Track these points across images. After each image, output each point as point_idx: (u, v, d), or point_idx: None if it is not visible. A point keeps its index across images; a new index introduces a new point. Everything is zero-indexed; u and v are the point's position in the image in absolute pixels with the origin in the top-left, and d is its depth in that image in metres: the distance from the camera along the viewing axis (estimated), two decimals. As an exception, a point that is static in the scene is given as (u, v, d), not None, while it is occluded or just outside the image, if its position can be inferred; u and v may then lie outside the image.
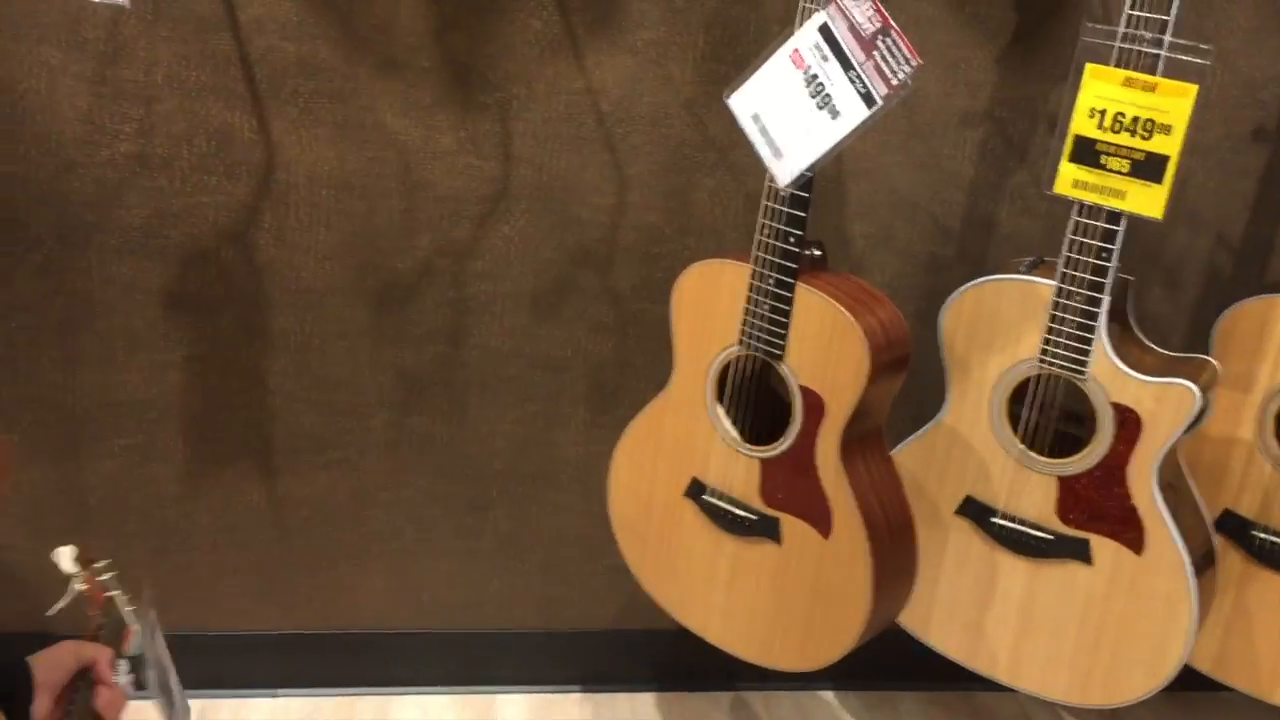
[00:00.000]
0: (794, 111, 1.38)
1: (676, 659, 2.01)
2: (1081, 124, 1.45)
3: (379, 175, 1.66)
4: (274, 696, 1.94)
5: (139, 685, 1.17)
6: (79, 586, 1.13)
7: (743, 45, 1.65)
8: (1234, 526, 1.69)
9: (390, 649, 1.97)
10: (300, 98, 1.60)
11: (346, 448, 1.82)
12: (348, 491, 1.85)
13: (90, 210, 1.62)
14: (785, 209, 1.43)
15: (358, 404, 1.80)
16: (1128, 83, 1.41)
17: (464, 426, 1.83)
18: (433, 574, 1.93)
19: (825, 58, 1.35)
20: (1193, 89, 1.38)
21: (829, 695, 2.08)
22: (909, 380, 1.53)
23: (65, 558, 1.15)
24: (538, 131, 1.67)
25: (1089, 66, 1.43)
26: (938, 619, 1.70)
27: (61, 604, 1.13)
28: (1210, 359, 1.55)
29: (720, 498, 1.58)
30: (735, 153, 1.69)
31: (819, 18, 1.35)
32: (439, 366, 1.79)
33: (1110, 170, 1.44)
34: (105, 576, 1.15)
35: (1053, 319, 1.50)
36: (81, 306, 1.68)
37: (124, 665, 1.14)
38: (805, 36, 1.36)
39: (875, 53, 1.32)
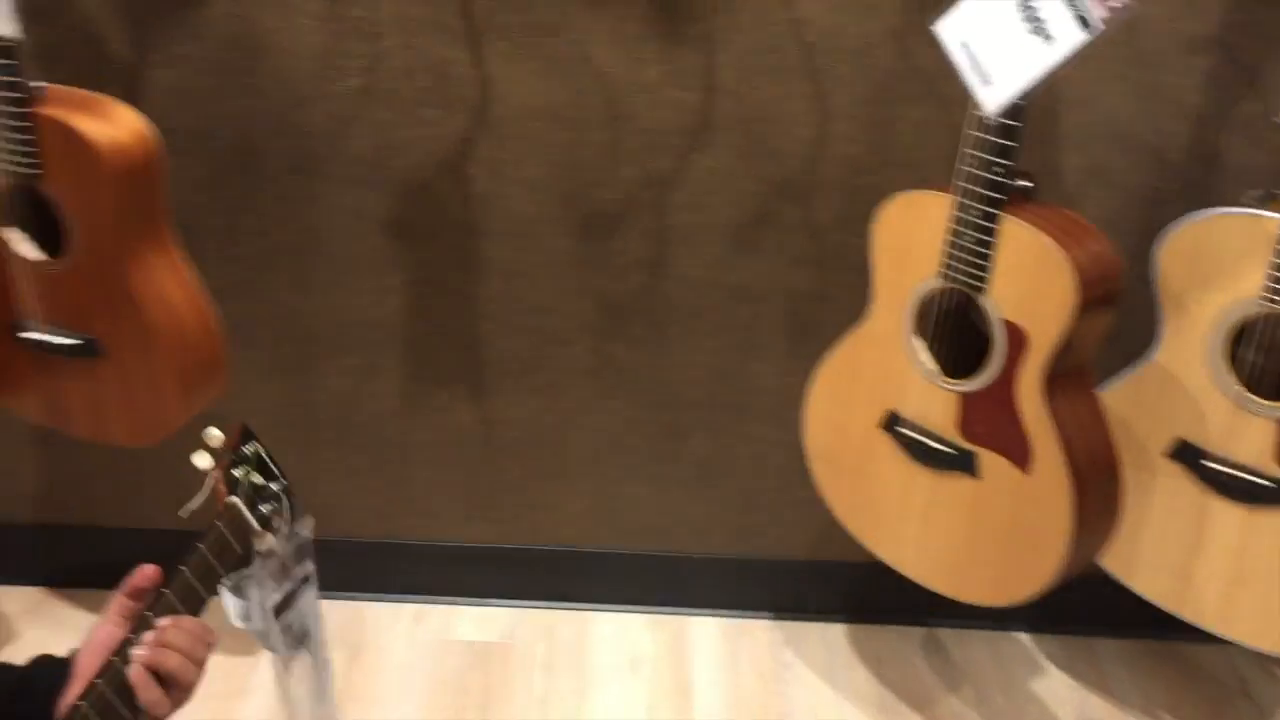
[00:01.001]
0: (1004, 37, 1.35)
1: (868, 591, 2.03)
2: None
3: (586, 107, 1.71)
4: (481, 605, 2.06)
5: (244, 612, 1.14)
6: (213, 480, 1.04)
7: (954, -29, 1.61)
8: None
9: (589, 567, 2.05)
10: (513, 31, 1.66)
11: (551, 372, 1.90)
12: (552, 415, 1.93)
13: (320, 142, 1.73)
14: (993, 138, 1.40)
15: (562, 330, 1.87)
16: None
17: (663, 355, 1.88)
18: (630, 497, 2.00)
19: (1040, -19, 1.31)
20: None
21: (1024, 637, 2.05)
22: (1121, 318, 1.48)
23: (206, 448, 1.06)
24: (741, 63, 1.68)
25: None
26: (1144, 563, 1.66)
27: (195, 503, 1.06)
28: None
29: (916, 430, 1.58)
30: (943, 84, 1.66)
31: (1034, -61, 1.31)
32: (640, 295, 1.84)
33: (1351, 96, 1.35)
34: (238, 472, 1.05)
35: (1280, 255, 1.42)
36: (312, 233, 1.79)
37: (226, 596, 1.08)
38: (1019, -41, 1.33)
39: (1093, -26, 1.28)
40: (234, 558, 1.03)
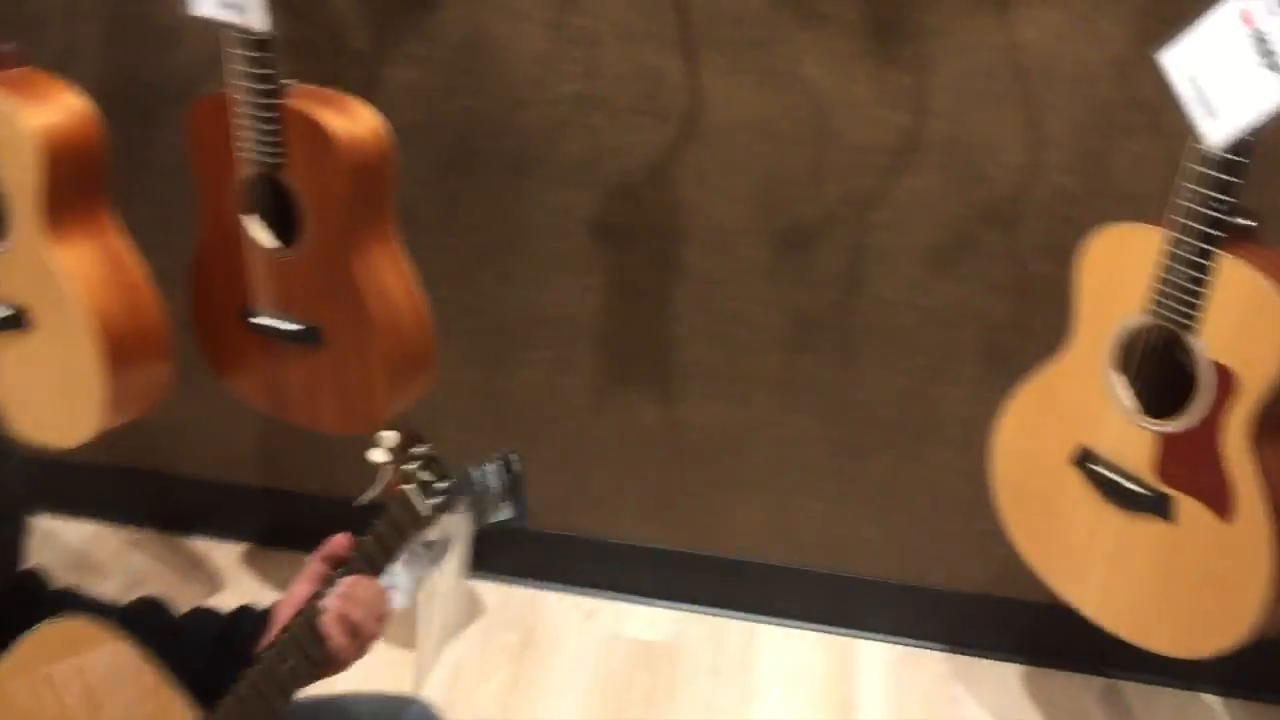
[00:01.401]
0: (1234, 69, 1.31)
1: (1046, 633, 1.97)
2: None
3: (794, 122, 1.73)
4: (652, 606, 2.10)
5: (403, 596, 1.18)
6: (387, 474, 1.11)
7: (1186, 1, 1.56)
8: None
9: (761, 578, 2.06)
10: (727, 45, 1.70)
11: (739, 381, 1.92)
12: (736, 423, 1.96)
13: (536, 144, 1.81)
14: (1215, 173, 1.35)
15: (753, 341, 1.89)
16: None
17: (852, 372, 1.88)
18: (808, 512, 2.00)
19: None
20: None
21: (1213, 700, 1.96)
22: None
23: (381, 446, 1.13)
24: (953, 86, 1.67)
25: None
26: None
27: (371, 493, 1.13)
28: None
29: (1110, 468, 1.53)
30: (1165, 116, 1.61)
31: (1275, -31, 1.26)
32: (833, 311, 1.85)
33: None
34: (411, 465, 1.12)
35: None
36: (520, 230, 1.87)
37: (395, 570, 1.13)
38: (1257, -10, 1.28)
39: (1337, 7, 1.22)
40: (404, 540, 1.11)
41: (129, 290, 1.65)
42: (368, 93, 1.73)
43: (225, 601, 1.95)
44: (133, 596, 1.12)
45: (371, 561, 1.05)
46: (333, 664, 1.02)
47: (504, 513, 1.20)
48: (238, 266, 1.66)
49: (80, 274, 1.59)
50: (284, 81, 1.56)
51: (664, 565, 2.09)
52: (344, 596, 1.01)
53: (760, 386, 1.93)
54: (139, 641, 0.92)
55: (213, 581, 2.09)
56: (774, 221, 1.80)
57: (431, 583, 1.21)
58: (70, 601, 0.97)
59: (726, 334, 1.89)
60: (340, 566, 1.04)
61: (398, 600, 1.14)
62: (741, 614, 2.09)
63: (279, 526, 2.16)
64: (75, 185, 1.59)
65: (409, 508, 1.09)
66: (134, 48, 1.82)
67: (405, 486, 1.09)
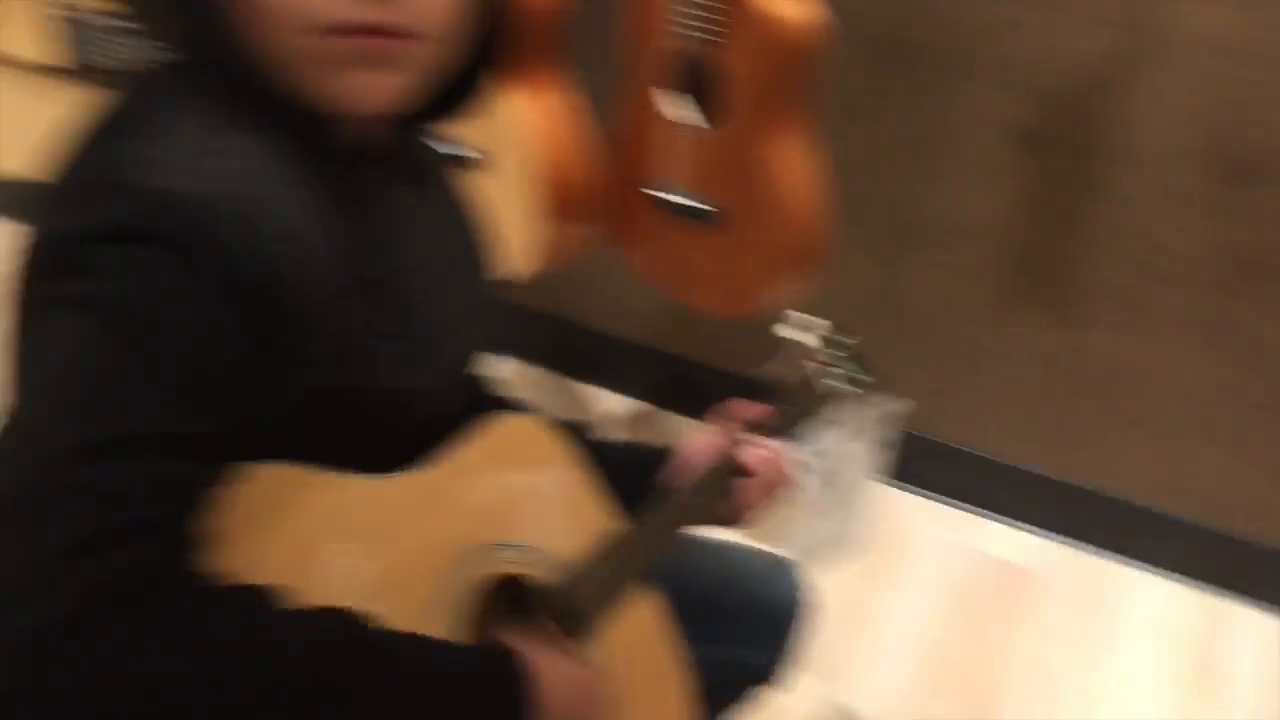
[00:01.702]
0: None
1: None
2: None
3: (1264, 43, 1.58)
4: (1017, 528, 2.06)
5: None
6: (801, 352, 1.15)
7: None
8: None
9: (1139, 520, 1.97)
10: (1205, -49, 1.57)
11: (1152, 315, 1.82)
12: (1142, 358, 1.86)
13: (974, 41, 1.75)
14: None
15: (1174, 274, 1.77)
16: None
17: (1285, 322, 1.73)
18: (1200, 463, 1.88)
19: None
20: None
21: None
22: None
23: (806, 329, 1.17)
24: None
25: None
26: None
27: (781, 366, 1.16)
28: None
29: None
30: None
31: None
32: (1272, 253, 1.70)
33: None
34: (832, 350, 1.14)
35: None
36: (942, 128, 1.83)
37: (807, 440, 1.14)
38: None
39: None
40: (809, 415, 1.14)
41: (574, 148, 1.77)
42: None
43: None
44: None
45: (777, 428, 1.09)
46: (731, 517, 1.07)
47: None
48: (652, 140, 1.72)
49: (531, 125, 1.72)
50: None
51: (1037, 489, 2.03)
52: (764, 459, 1.05)
53: (1174, 323, 1.81)
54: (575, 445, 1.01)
55: (597, 428, 2.25)
56: (1221, 149, 1.67)
57: (834, 469, 1.25)
58: (519, 408, 1.07)
59: (1147, 263, 1.79)
60: (750, 424, 1.08)
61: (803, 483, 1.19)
62: (1111, 553, 2.01)
63: (666, 388, 2.29)
64: (537, 41, 1.71)
65: (821, 388, 1.12)
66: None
67: (822, 368, 1.12)
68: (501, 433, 0.94)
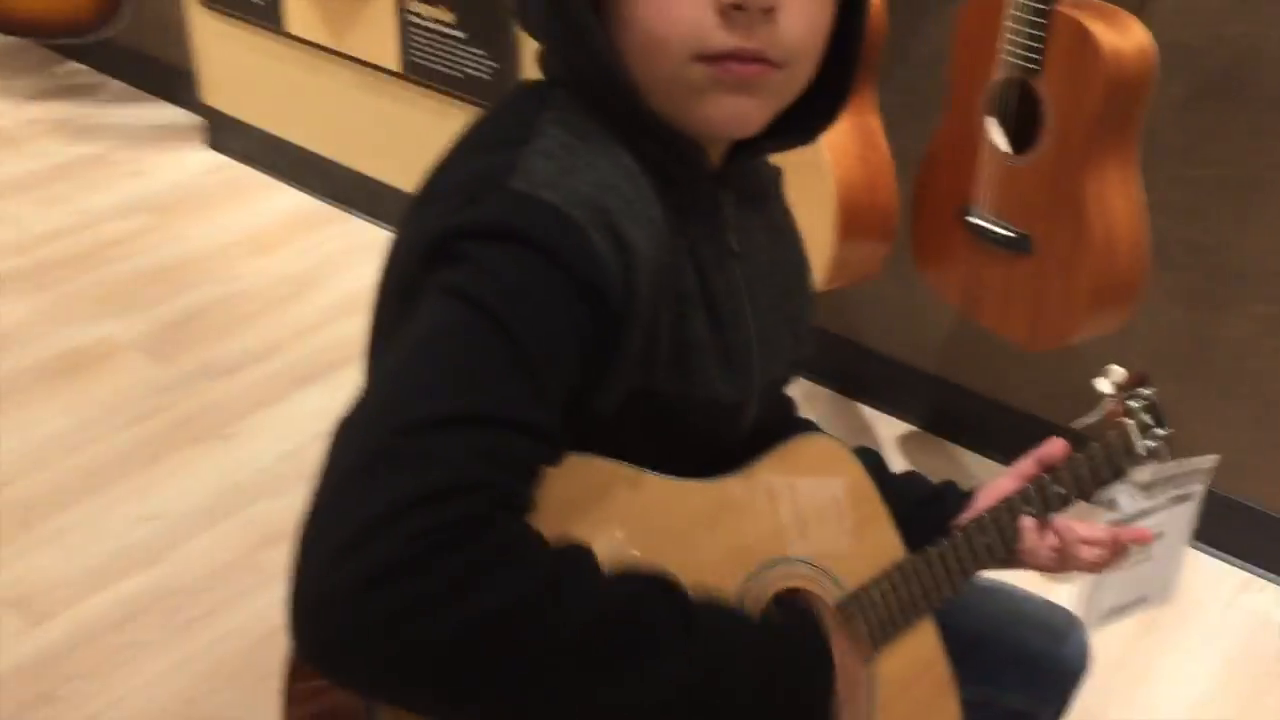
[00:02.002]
0: None
1: None
2: None
3: None
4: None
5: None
6: (1106, 405, 1.11)
7: None
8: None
9: None
10: None
11: None
12: None
13: (1317, 81, 1.65)
14: None
15: None
16: None
17: None
18: None
19: None
20: None
21: None
22: None
23: (1107, 378, 1.13)
24: None
25: None
26: None
27: (1089, 419, 1.13)
28: None
29: None
30: None
31: None
32: None
33: None
34: (1134, 403, 1.11)
35: None
36: (1273, 171, 1.74)
37: (1113, 499, 1.11)
38: None
39: None
40: (1114, 471, 1.10)
41: (874, 169, 1.79)
42: (1140, 4, 1.69)
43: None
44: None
45: (1078, 481, 1.07)
46: (1021, 562, 1.05)
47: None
48: (968, 164, 1.72)
49: (836, 144, 1.75)
50: (1062, -13, 1.57)
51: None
52: (1078, 537, 1.04)
53: None
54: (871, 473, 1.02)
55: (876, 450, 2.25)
56: None
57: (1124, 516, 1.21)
58: (811, 429, 1.10)
59: None
60: (1050, 472, 1.06)
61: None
62: None
63: (943, 415, 2.26)
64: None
65: (1127, 442, 1.09)
66: (922, -58, 1.92)
67: (1126, 420, 1.10)
68: (805, 451, 0.97)
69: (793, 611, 0.82)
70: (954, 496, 1.10)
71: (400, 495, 0.63)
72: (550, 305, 0.72)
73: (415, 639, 0.62)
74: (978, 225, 1.73)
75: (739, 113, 0.80)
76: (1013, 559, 1.05)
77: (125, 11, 3.08)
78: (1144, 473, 1.13)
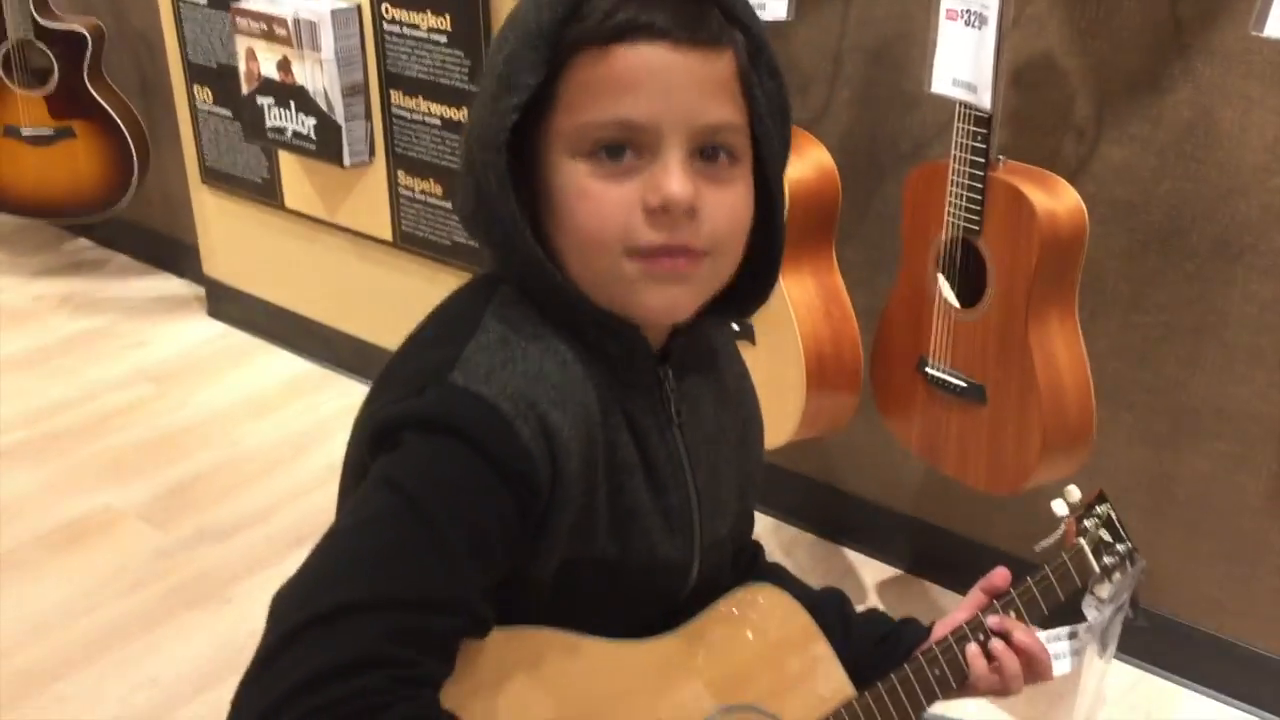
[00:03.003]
0: None
1: None
2: None
3: None
4: (1299, 734, 1.94)
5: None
6: (1063, 527, 1.17)
7: None
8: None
9: None
10: None
11: None
12: None
13: (1248, 232, 1.76)
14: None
15: None
16: None
17: None
18: None
19: None
20: None
21: None
22: None
23: (1064, 500, 1.19)
24: None
25: None
26: None
27: (1047, 542, 1.18)
28: None
29: None
30: None
31: None
32: None
33: None
34: (1089, 523, 1.16)
35: None
36: (1218, 316, 1.83)
37: (1063, 632, 1.15)
38: None
39: None
40: (1069, 591, 1.16)
41: (837, 324, 1.89)
42: (1080, 167, 1.82)
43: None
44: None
45: (1027, 604, 1.12)
46: (973, 689, 1.10)
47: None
48: (923, 319, 1.81)
49: (802, 302, 1.85)
50: (998, 156, 1.69)
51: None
52: (996, 629, 1.10)
53: None
54: (818, 620, 1.08)
55: (857, 594, 2.29)
56: None
57: (1089, 654, 1.25)
58: (777, 575, 1.17)
59: None
60: (998, 599, 1.12)
61: (1060, 666, 1.20)
62: None
63: (925, 556, 2.31)
64: (810, 227, 1.86)
65: (1082, 562, 1.15)
66: (878, 111, 2.06)
67: (1081, 540, 1.15)
68: (745, 602, 1.02)
69: None
70: (911, 632, 1.15)
71: (312, 670, 0.73)
72: (474, 492, 0.80)
73: None
74: (935, 376, 1.82)
75: (671, 301, 0.88)
76: (964, 688, 1.10)
77: (131, 192, 3.23)
78: (1105, 588, 1.18)
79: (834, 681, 1.07)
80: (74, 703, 2.01)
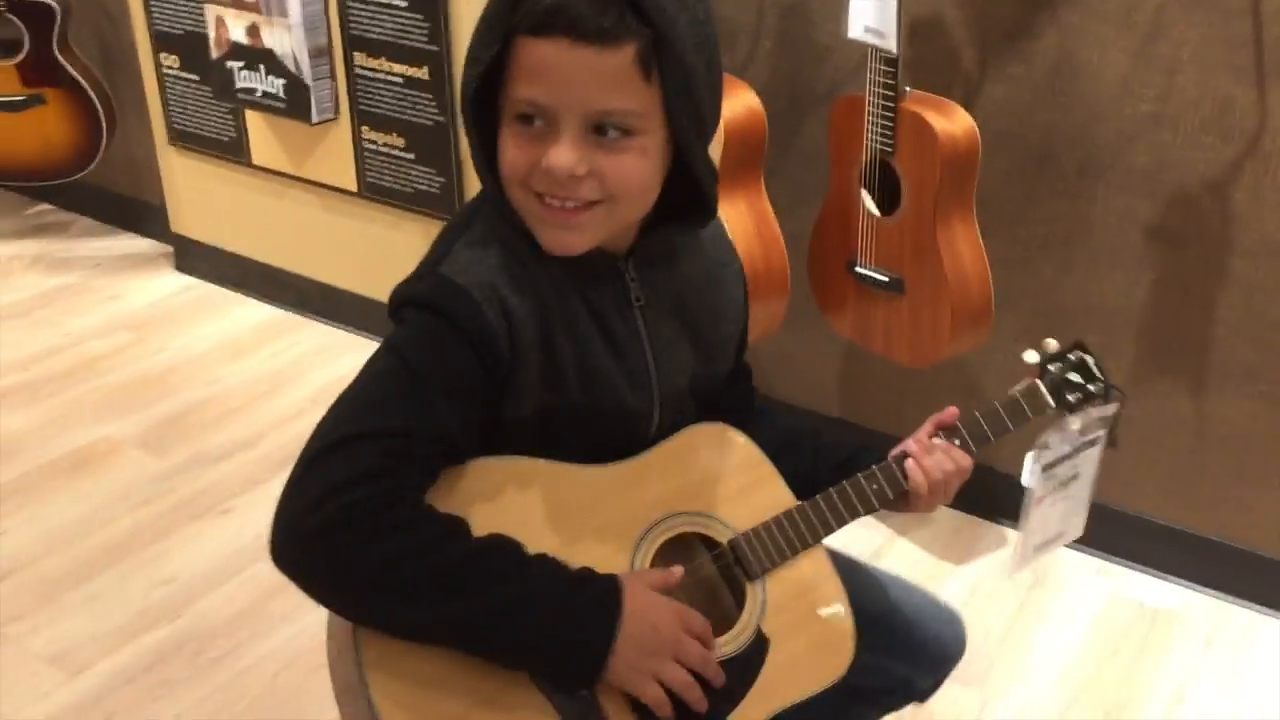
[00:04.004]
0: None
1: None
2: None
3: (1359, 149, 1.87)
4: (1159, 577, 2.30)
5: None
6: (1029, 374, 1.29)
7: None
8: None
9: (1276, 573, 2.19)
10: (1299, 76, 1.89)
11: (1274, 384, 2.08)
12: (1267, 422, 2.11)
13: (1107, 153, 2.10)
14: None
15: (1292, 349, 2.04)
16: None
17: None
18: (1331, 521, 2.10)
19: None
20: None
21: None
22: None
23: (1036, 350, 1.31)
24: None
25: None
26: None
27: (1017, 388, 1.31)
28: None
29: None
30: None
31: None
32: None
33: None
34: (1054, 367, 1.29)
35: None
36: (1083, 227, 2.17)
37: (1045, 441, 1.30)
38: None
39: None
40: (1018, 423, 1.30)
41: (768, 243, 2.20)
42: (968, 103, 2.14)
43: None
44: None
45: (974, 435, 1.29)
46: (911, 505, 1.30)
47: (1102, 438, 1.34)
48: (850, 228, 2.14)
49: (736, 225, 2.16)
50: (905, 88, 2.01)
51: (1178, 543, 2.28)
52: (924, 445, 1.29)
53: (1295, 392, 2.07)
54: (793, 449, 1.32)
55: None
56: (1328, 240, 1.95)
57: (1053, 482, 1.37)
58: (763, 415, 1.42)
59: (1268, 339, 2.06)
60: (944, 430, 1.31)
61: (1026, 478, 1.35)
62: (1250, 603, 2.23)
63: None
64: (740, 161, 2.16)
65: (1035, 398, 1.30)
66: (796, 59, 2.37)
67: (1038, 381, 1.30)
68: (693, 434, 1.24)
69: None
70: (868, 457, 1.33)
71: (338, 478, 1.03)
72: (450, 355, 1.10)
73: (340, 563, 1.04)
74: (862, 274, 2.15)
75: (563, 242, 1.12)
76: (903, 502, 1.30)
77: (100, 155, 3.43)
78: (1074, 420, 1.33)
79: (776, 494, 1.25)
80: (102, 599, 2.25)
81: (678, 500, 1.20)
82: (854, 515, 1.27)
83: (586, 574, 1.11)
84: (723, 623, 1.19)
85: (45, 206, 3.99)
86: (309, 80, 2.85)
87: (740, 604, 1.21)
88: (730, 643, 1.18)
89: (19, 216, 3.93)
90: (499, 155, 1.12)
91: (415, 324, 1.12)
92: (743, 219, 2.18)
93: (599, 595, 1.09)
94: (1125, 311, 2.19)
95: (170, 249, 3.56)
